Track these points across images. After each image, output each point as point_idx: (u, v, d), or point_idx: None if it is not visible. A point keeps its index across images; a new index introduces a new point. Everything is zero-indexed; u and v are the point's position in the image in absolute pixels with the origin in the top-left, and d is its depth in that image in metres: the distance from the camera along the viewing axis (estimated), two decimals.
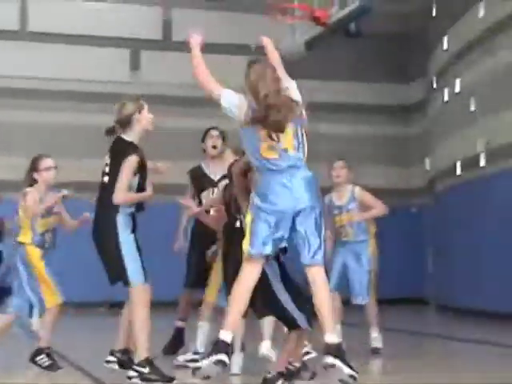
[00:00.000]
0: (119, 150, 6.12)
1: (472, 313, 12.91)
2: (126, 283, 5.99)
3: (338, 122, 18.22)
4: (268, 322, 6.61)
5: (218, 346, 4.99)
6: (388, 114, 18.64)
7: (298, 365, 5.70)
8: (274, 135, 5.20)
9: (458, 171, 14.15)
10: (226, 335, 5.04)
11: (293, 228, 5.19)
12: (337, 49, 16.99)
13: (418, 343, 8.67)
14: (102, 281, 6.13)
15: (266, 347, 6.65)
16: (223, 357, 4.98)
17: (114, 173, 6.04)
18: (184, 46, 5.74)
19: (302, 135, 5.33)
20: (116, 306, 7.33)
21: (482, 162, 13.08)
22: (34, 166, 7.05)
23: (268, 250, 5.18)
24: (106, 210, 6.04)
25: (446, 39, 14.80)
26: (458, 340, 9.84)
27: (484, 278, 12.89)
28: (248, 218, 5.28)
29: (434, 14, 15.94)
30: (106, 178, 6.12)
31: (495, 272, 12.48)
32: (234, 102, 5.31)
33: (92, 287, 12.22)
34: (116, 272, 6.01)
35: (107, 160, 6.17)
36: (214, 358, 4.97)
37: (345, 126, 18.22)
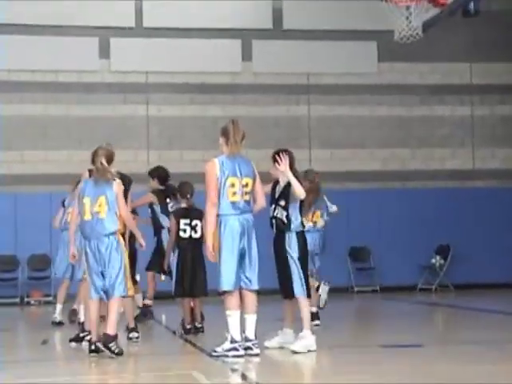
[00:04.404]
0: None
1: None
2: None
3: (453, 104, 17.76)
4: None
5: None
6: (506, 93, 18.02)
7: None
8: None
9: None
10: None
11: None
12: (453, 30, 16.57)
13: None
14: None
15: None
16: None
17: None
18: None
19: None
20: None
21: None
22: None
23: None
24: None
25: None
26: None
27: None
28: None
29: None
30: None
31: None
32: None
33: None
34: None
35: None
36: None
37: (460, 108, 17.75)
